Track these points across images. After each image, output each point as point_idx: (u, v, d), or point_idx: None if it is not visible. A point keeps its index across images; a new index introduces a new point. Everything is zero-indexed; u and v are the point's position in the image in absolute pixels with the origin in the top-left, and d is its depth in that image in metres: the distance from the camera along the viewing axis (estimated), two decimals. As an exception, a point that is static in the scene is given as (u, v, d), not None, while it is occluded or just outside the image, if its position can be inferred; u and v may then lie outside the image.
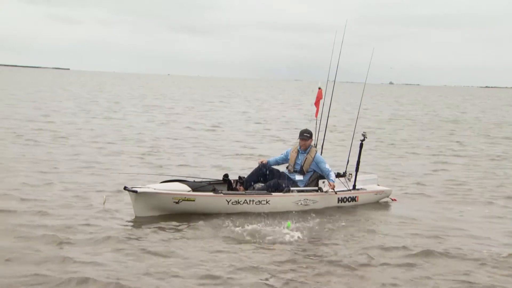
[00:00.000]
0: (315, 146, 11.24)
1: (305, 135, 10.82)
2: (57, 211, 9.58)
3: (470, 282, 7.22)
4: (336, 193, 10.63)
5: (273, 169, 10.80)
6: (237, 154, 17.18)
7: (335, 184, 10.65)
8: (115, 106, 36.77)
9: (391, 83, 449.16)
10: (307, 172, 10.75)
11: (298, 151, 10.91)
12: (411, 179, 14.36)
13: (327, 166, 10.75)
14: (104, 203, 9.59)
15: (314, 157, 10.78)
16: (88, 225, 8.79)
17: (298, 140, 10.96)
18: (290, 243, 8.49)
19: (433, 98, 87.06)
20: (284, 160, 11.04)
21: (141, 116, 30.09)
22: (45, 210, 9.56)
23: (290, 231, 8.78)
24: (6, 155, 14.74)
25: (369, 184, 11.72)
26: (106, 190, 10.94)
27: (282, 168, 11.04)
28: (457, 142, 23.57)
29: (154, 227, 8.88)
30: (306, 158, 10.78)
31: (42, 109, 30.44)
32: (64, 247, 7.76)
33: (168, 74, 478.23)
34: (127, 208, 9.72)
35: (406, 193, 12.62)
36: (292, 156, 10.95)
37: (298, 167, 10.78)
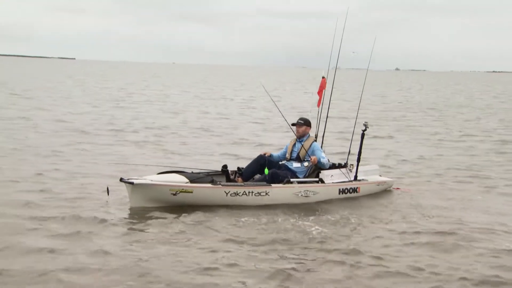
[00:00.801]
0: (315, 137, 11.08)
1: (299, 121, 10.77)
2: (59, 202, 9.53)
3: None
4: (311, 161, 10.41)
5: (272, 160, 10.63)
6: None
7: (332, 173, 10.65)
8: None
9: (397, 69, 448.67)
10: (304, 160, 10.58)
11: (296, 140, 10.84)
12: (420, 166, 14.29)
13: (322, 154, 10.59)
14: (107, 194, 9.50)
15: (311, 144, 10.64)
16: (91, 216, 8.74)
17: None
18: (293, 234, 8.36)
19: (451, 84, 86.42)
20: (285, 153, 10.90)
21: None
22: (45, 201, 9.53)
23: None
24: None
25: (371, 175, 11.51)
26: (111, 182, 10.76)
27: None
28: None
29: (154, 218, 8.81)
30: (302, 145, 10.64)
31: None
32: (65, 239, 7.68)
33: (173, 63, 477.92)
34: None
35: (415, 180, 12.50)
36: (290, 145, 10.88)
37: (294, 155, 10.68)
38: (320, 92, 11.41)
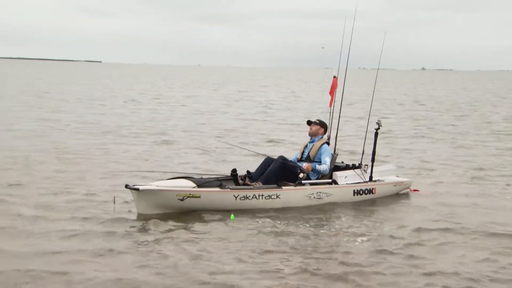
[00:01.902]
0: (328, 139, 10.81)
1: (314, 122, 10.69)
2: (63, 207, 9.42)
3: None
4: (304, 174, 9.96)
5: (280, 156, 10.36)
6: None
7: (346, 174, 10.39)
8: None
9: (423, 69, 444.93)
10: (314, 161, 10.32)
11: (309, 140, 10.70)
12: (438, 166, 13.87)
13: (327, 159, 10.30)
14: (114, 203, 9.32)
15: (321, 146, 10.41)
16: (98, 223, 8.59)
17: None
18: (305, 239, 8.10)
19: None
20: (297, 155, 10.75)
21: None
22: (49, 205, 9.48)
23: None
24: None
25: (387, 175, 11.15)
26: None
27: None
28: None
29: (163, 225, 8.57)
30: (313, 145, 10.49)
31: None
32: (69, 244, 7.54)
33: (199, 65, 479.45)
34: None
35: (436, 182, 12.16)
36: (302, 146, 10.76)
37: (305, 155, 10.51)
38: (332, 92, 11.13)
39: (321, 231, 8.53)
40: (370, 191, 10.65)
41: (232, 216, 8.85)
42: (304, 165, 10.11)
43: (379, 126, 10.68)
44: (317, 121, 10.71)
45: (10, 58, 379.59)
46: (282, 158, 10.13)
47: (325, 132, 10.71)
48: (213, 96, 42.50)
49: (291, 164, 10.11)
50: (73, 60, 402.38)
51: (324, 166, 10.20)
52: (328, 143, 10.59)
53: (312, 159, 10.34)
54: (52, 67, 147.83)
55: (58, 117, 23.21)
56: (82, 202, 9.70)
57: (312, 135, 10.61)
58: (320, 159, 10.29)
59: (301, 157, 10.55)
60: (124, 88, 49.81)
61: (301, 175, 9.95)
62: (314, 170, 10.15)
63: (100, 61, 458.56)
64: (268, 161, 10.20)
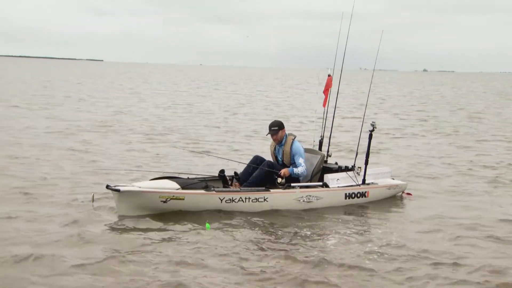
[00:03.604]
0: (321, 138, 10.40)
1: (273, 129, 9.80)
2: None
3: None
4: (282, 180, 9.47)
5: (266, 160, 9.94)
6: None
7: (337, 176, 9.96)
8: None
9: (425, 70, 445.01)
10: (291, 164, 9.79)
11: (276, 145, 10.02)
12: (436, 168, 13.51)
13: (300, 160, 9.70)
14: (92, 201, 8.96)
15: (291, 147, 9.79)
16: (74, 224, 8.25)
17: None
18: (295, 245, 7.75)
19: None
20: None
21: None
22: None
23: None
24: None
25: (381, 178, 10.76)
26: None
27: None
28: None
29: (142, 228, 8.21)
30: (283, 151, 9.86)
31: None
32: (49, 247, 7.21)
33: (200, 64, 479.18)
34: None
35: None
36: (271, 153, 10.08)
37: (280, 163, 9.87)
38: (326, 91, 10.76)
39: (307, 235, 8.22)
40: (363, 195, 10.28)
41: (207, 225, 8.27)
42: (282, 171, 9.56)
43: (373, 127, 10.28)
44: (275, 128, 9.78)
45: (11, 56, 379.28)
46: (268, 164, 9.67)
47: (284, 129, 9.94)
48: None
49: (277, 169, 9.61)
50: (75, 59, 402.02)
51: (301, 169, 9.65)
52: (294, 137, 9.93)
53: (288, 164, 9.83)
54: (55, 65, 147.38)
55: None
56: (60, 199, 9.44)
57: (279, 142, 9.89)
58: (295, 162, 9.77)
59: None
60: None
61: (279, 180, 9.46)
62: (292, 174, 9.60)
63: (102, 60, 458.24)
64: (255, 161, 9.81)
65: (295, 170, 9.61)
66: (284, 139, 9.86)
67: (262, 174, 9.52)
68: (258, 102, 36.10)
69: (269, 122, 10.05)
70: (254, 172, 9.66)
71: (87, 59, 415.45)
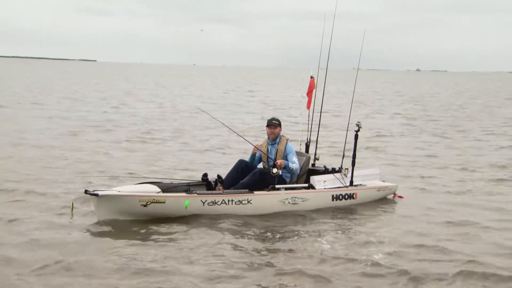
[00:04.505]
0: (308, 141, 10.20)
1: (274, 122, 9.72)
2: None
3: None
4: (278, 170, 9.28)
5: (252, 165, 9.74)
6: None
7: (324, 178, 9.81)
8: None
9: (418, 70, 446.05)
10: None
11: (268, 143, 9.81)
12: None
13: (294, 158, 9.59)
14: (71, 210, 8.59)
15: (286, 147, 9.64)
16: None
17: (266, 129, 9.87)
18: (275, 246, 7.61)
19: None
20: (260, 157, 9.92)
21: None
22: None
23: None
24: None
25: (370, 179, 10.53)
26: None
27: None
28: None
29: (123, 232, 8.02)
30: (277, 150, 9.66)
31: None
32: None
33: (194, 64, 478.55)
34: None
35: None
36: (263, 151, 9.82)
37: (272, 162, 9.57)
38: (309, 93, 10.54)
39: (290, 237, 8.07)
40: (351, 196, 10.06)
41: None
42: (278, 161, 9.41)
43: (359, 128, 10.05)
44: (277, 122, 9.77)
45: (3, 56, 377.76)
46: (259, 172, 9.41)
47: (281, 128, 9.87)
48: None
49: (270, 175, 9.33)
50: (68, 59, 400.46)
51: (295, 165, 9.53)
52: (287, 139, 9.82)
53: None
54: (47, 66, 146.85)
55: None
56: (40, 207, 9.16)
57: (274, 138, 9.76)
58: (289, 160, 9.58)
59: (268, 165, 9.72)
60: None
61: (274, 170, 9.24)
62: (286, 167, 9.45)
63: (95, 60, 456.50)
64: (240, 164, 9.58)
65: (290, 164, 9.48)
66: (279, 138, 9.73)
67: (251, 182, 9.27)
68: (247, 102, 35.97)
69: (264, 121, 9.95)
70: (238, 176, 9.46)
71: (80, 59, 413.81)
